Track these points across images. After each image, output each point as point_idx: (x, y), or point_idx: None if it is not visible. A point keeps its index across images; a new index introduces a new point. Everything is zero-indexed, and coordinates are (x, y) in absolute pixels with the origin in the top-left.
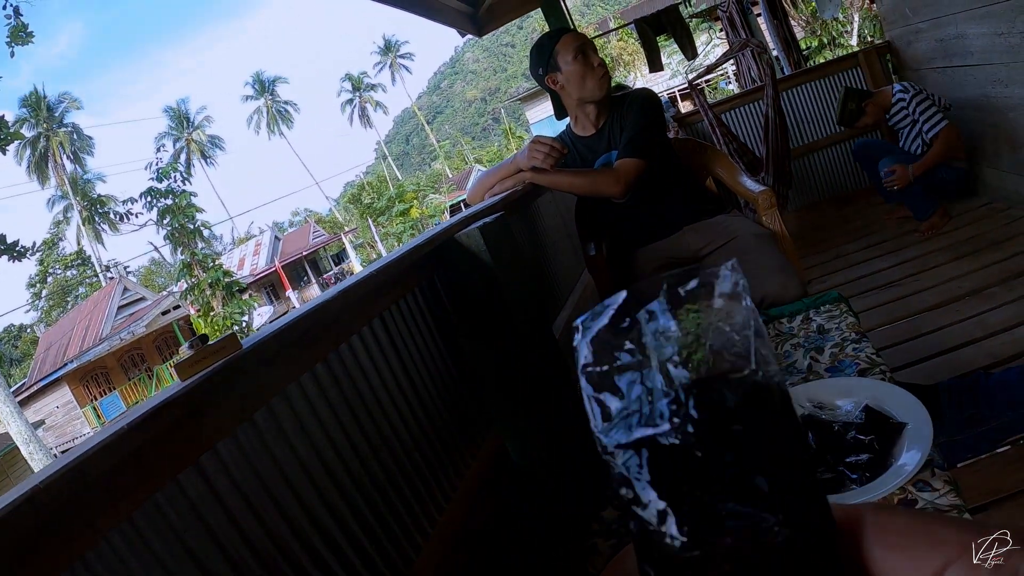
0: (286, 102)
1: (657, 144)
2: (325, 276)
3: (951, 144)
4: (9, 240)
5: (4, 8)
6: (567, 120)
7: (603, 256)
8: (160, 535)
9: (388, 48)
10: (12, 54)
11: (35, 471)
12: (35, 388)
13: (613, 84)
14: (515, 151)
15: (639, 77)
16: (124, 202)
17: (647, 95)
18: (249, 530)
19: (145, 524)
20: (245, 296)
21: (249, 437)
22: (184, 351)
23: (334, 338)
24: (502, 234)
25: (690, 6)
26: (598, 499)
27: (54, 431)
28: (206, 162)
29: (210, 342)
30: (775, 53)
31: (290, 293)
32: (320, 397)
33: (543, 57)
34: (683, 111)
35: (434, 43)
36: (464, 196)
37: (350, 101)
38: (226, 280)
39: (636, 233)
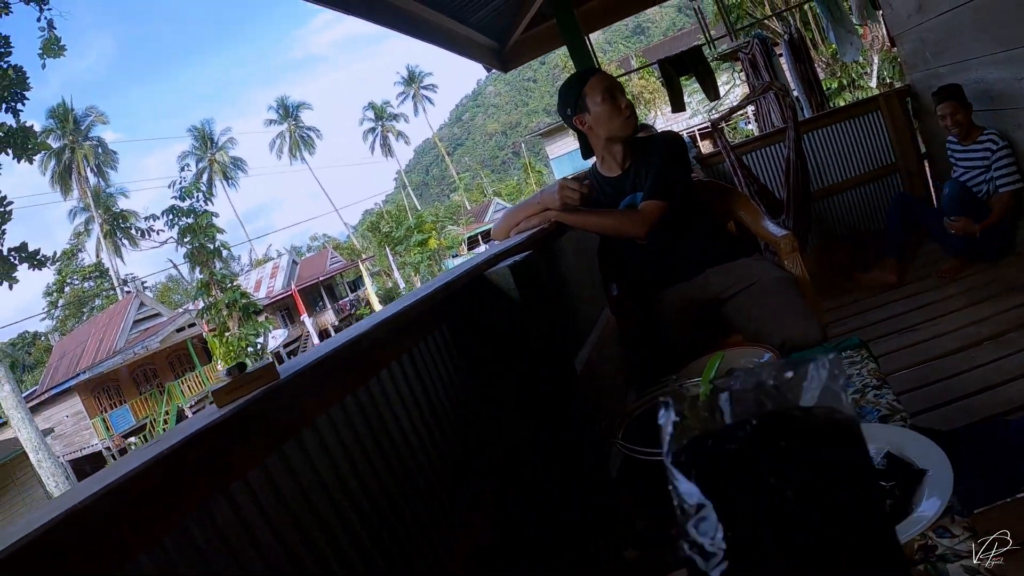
0: (309, 128)
1: (681, 187)
2: (340, 302)
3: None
4: (29, 248)
5: (39, 21)
6: (590, 158)
7: (626, 296)
8: (187, 559)
9: (412, 79)
10: (44, 66)
11: (42, 478)
12: (46, 396)
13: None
14: (534, 185)
15: (659, 115)
16: (146, 219)
17: (673, 138)
18: (272, 555)
19: (173, 547)
20: (261, 318)
21: (277, 464)
22: (221, 377)
23: (367, 370)
24: (531, 273)
25: (714, 48)
26: (600, 511)
27: (62, 440)
28: (228, 183)
29: (248, 370)
30: (795, 94)
31: (305, 317)
32: (347, 427)
33: (571, 98)
34: (703, 150)
35: (457, 75)
36: (482, 228)
37: (372, 130)
38: (243, 301)
39: (659, 274)
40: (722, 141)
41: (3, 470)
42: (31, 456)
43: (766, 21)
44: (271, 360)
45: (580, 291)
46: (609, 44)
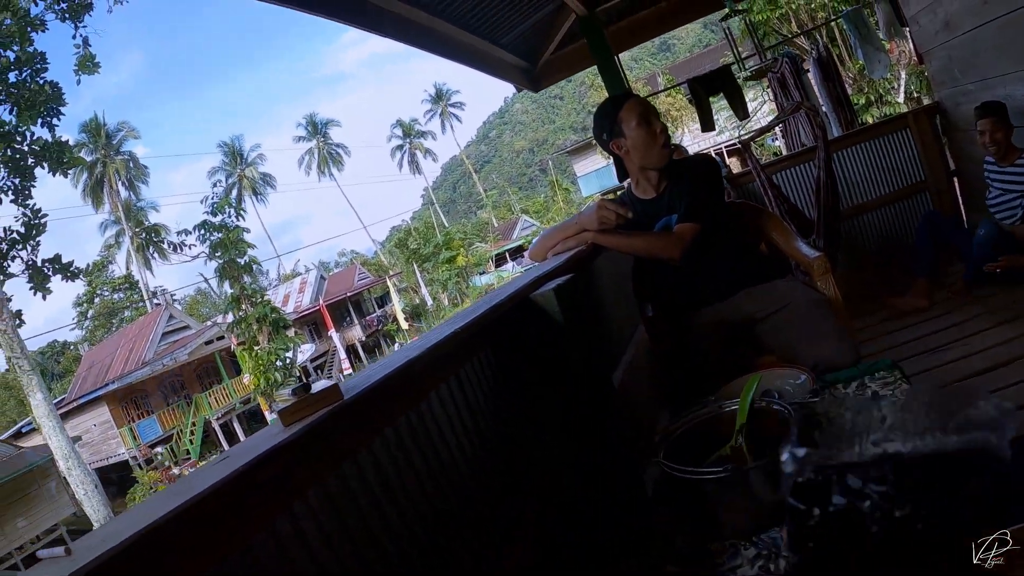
0: (337, 144)
1: (714, 209)
2: (368, 318)
3: None
4: (62, 260)
5: (74, 38)
6: (608, 170)
7: (660, 317)
8: (250, 570)
9: (439, 96)
10: (79, 82)
11: (71, 485)
12: (74, 404)
13: None
14: (562, 203)
15: (687, 132)
16: (178, 233)
17: (707, 161)
18: (329, 570)
19: (238, 561)
20: (290, 333)
21: (335, 483)
22: (286, 397)
23: (420, 392)
24: (574, 295)
25: (744, 68)
26: (638, 530)
27: (89, 448)
28: (257, 199)
29: (313, 391)
30: (824, 111)
31: (332, 333)
32: (399, 447)
33: (607, 122)
34: (732, 168)
35: (484, 93)
36: (510, 246)
37: (400, 147)
38: (273, 316)
39: (692, 295)
40: (752, 161)
41: (30, 476)
42: (61, 464)
43: (793, 39)
44: (335, 382)
45: (615, 312)
46: (635, 61)
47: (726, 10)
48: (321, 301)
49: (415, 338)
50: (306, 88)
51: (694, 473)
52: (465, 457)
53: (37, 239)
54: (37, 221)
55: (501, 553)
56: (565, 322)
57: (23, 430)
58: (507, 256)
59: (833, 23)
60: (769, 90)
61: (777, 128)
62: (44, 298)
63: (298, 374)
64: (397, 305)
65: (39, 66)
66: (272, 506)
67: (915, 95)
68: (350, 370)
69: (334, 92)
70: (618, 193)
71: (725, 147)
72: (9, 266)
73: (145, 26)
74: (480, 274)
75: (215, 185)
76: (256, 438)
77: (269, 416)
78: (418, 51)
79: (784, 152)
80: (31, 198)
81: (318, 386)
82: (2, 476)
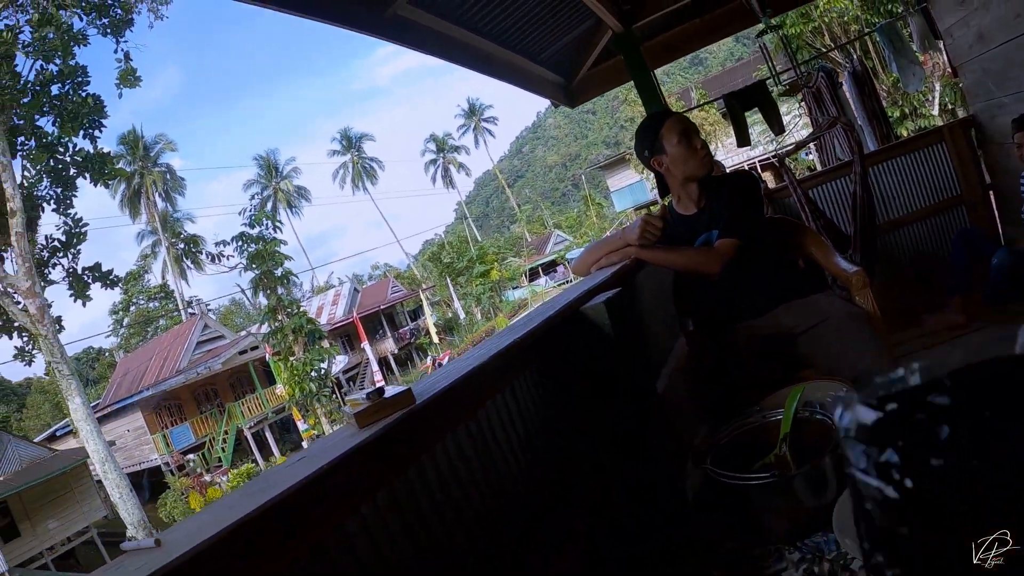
0: (371, 159)
1: (754, 225)
2: (401, 331)
3: None
4: (102, 269)
5: (115, 52)
6: (640, 185)
7: (700, 330)
8: (321, 564)
9: (472, 111)
10: (120, 95)
11: (107, 488)
12: (109, 410)
13: None
14: (595, 218)
15: (720, 147)
16: (216, 244)
17: (746, 177)
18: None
19: (310, 559)
20: (324, 344)
21: (400, 486)
22: (361, 401)
23: (480, 399)
24: (622, 308)
25: (779, 83)
26: (682, 537)
27: (122, 452)
28: (291, 211)
29: (387, 395)
30: (859, 124)
31: (365, 345)
32: (458, 454)
33: (648, 139)
34: (767, 182)
35: (517, 108)
36: (542, 260)
37: (434, 161)
38: (309, 327)
39: (732, 309)
40: (788, 177)
41: (63, 479)
42: (97, 467)
43: (828, 53)
44: (408, 387)
45: (655, 325)
46: (668, 75)
47: (761, 26)
48: (355, 313)
49: (468, 349)
50: (340, 102)
51: (741, 479)
52: (518, 466)
53: (78, 247)
54: (78, 230)
55: (548, 562)
56: (615, 334)
57: (57, 433)
58: (540, 271)
59: (866, 36)
60: (803, 104)
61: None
62: (84, 305)
63: (331, 385)
64: (430, 319)
65: (81, 79)
66: (346, 505)
67: (950, 107)
68: (382, 382)
69: (368, 106)
70: (651, 209)
71: (759, 161)
72: (50, 273)
73: (182, 41)
74: (513, 288)
75: (252, 198)
76: (330, 439)
77: (301, 426)
78: (451, 65)
79: (818, 166)
80: (72, 207)
81: (391, 391)
82: (36, 478)
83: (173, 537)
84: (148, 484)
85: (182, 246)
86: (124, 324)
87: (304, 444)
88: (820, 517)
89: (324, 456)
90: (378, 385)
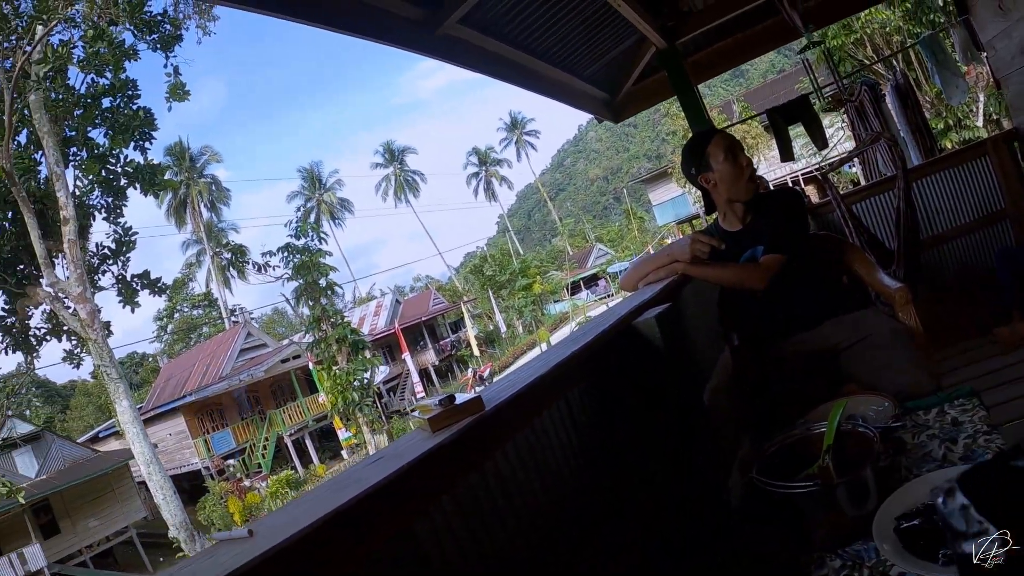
0: (413, 171)
1: (798, 241)
2: (442, 342)
3: None
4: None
5: (165, 67)
6: (683, 199)
7: (745, 346)
8: (392, 562)
9: (514, 125)
10: (169, 108)
11: (151, 489)
12: (152, 413)
13: None
14: (636, 232)
15: (762, 160)
16: (263, 254)
17: (791, 194)
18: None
19: (382, 556)
20: (367, 354)
21: (462, 490)
22: (433, 407)
23: (538, 407)
24: (673, 322)
25: (822, 98)
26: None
27: (163, 456)
28: (334, 223)
29: (458, 402)
30: (902, 136)
31: (406, 356)
32: (517, 460)
33: (695, 157)
34: (811, 196)
35: (558, 121)
36: (584, 274)
37: (476, 174)
38: (353, 337)
39: (777, 325)
40: (832, 192)
41: (105, 479)
42: (142, 468)
43: (871, 66)
44: (478, 394)
45: (700, 340)
46: (709, 88)
47: (803, 41)
48: (396, 324)
49: (509, 361)
50: (383, 116)
51: (786, 488)
52: (571, 476)
53: (127, 255)
54: (127, 238)
55: (602, 571)
56: (666, 348)
57: (100, 435)
58: (581, 284)
59: (909, 48)
60: (846, 117)
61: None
62: (133, 311)
63: (373, 395)
64: (471, 331)
65: (131, 92)
66: (419, 504)
67: (995, 117)
68: (423, 393)
69: (410, 119)
70: (693, 223)
71: (801, 175)
72: (99, 280)
73: (228, 57)
74: (555, 302)
75: (298, 210)
76: (403, 443)
77: (342, 434)
78: (493, 80)
79: (861, 179)
80: (122, 216)
81: (462, 398)
82: (79, 477)
83: (264, 528)
84: (188, 487)
85: (227, 255)
86: (168, 330)
87: (344, 452)
88: (861, 525)
89: (402, 457)
90: (418, 396)
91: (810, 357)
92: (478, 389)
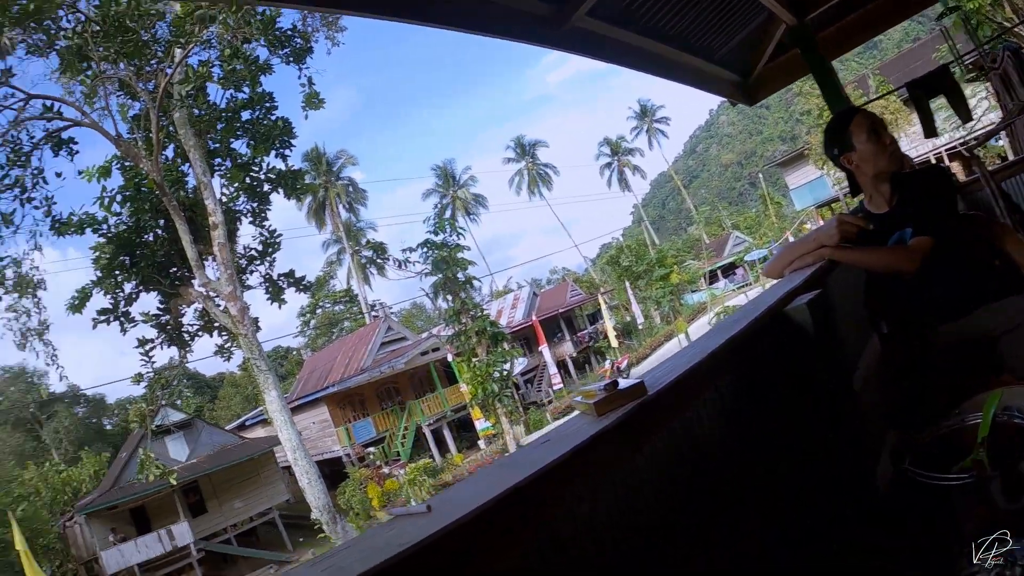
0: (545, 165)
1: (948, 221)
2: (579, 334)
3: None
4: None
5: (299, 78)
6: (821, 181)
7: (895, 333)
8: (547, 542)
9: (644, 113)
10: (306, 117)
11: (296, 474)
12: (296, 403)
13: None
14: (774, 217)
15: (903, 136)
16: (403, 251)
17: (939, 172)
18: (607, 546)
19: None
20: (505, 346)
21: (623, 467)
22: (597, 392)
23: (698, 390)
24: (824, 308)
25: (963, 69)
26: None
27: (307, 443)
28: (469, 218)
29: (621, 387)
30: None
31: (543, 348)
32: (671, 444)
33: (837, 137)
34: (956, 174)
35: (688, 107)
36: (721, 263)
37: (608, 164)
38: (492, 330)
39: (928, 311)
40: (980, 169)
41: (251, 464)
42: (288, 454)
43: (1013, 29)
44: (640, 380)
45: (847, 327)
46: (842, 64)
47: (939, 7)
48: (534, 316)
49: (647, 353)
50: (510, 111)
51: (940, 479)
52: (727, 460)
53: (273, 256)
54: (273, 240)
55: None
56: (817, 335)
57: (247, 423)
58: (719, 273)
59: None
60: (989, 86)
61: None
62: (280, 307)
63: (511, 386)
64: (608, 322)
65: (268, 104)
66: (585, 484)
67: None
68: (560, 384)
69: (539, 114)
70: (832, 207)
71: (945, 151)
72: (247, 279)
73: (357, 63)
74: (692, 291)
75: (434, 207)
76: (570, 426)
77: (479, 424)
78: (618, 68)
79: (1010, 154)
80: (267, 220)
81: (625, 383)
82: (227, 461)
83: (440, 504)
84: (329, 473)
85: (367, 253)
86: (311, 325)
87: (480, 442)
88: (1014, 521)
89: (565, 440)
90: (555, 387)
91: (963, 345)
92: None
